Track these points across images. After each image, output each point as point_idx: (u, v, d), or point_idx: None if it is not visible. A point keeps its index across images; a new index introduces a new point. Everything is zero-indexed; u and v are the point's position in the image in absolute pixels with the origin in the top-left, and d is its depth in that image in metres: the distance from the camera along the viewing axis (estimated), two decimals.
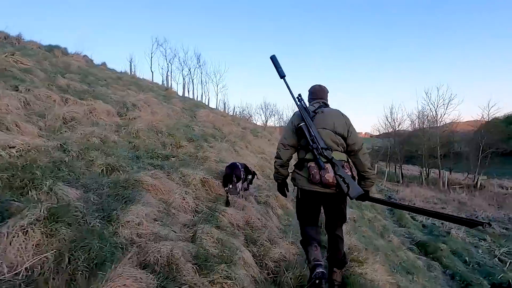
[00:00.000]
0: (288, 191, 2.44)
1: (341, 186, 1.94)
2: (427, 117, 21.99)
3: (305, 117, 2.03)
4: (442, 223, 8.52)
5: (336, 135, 2.06)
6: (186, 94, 22.46)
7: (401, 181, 22.22)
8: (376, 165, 22.87)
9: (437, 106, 21.08)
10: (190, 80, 22.53)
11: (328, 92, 2.37)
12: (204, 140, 5.50)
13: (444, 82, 50.30)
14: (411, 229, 7.06)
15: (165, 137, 4.59)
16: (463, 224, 1.82)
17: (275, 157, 2.25)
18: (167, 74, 18.70)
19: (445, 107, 21.00)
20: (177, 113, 7.34)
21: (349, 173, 2.01)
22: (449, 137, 21.87)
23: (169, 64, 19.32)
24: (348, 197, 2.01)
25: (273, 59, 2.23)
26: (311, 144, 1.98)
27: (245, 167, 3.71)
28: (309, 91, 2.36)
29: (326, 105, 2.26)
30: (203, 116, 8.69)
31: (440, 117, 21.27)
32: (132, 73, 16.09)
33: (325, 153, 1.96)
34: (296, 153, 2.21)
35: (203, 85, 24.01)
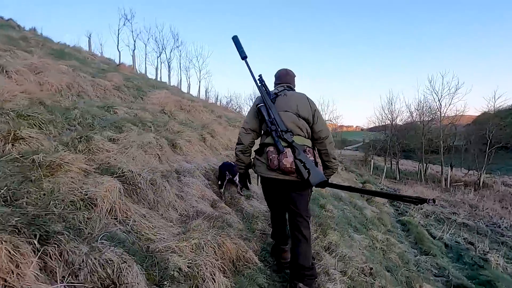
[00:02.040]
0: (250, 182, 2.44)
1: (301, 172, 1.78)
2: (429, 108, 20.03)
3: (265, 98, 1.93)
4: (471, 243, 6.56)
5: (299, 119, 1.93)
6: (165, 79, 19.84)
7: (398, 178, 20.45)
8: (372, 160, 20.98)
9: (442, 96, 19.09)
10: (166, 62, 19.77)
11: (294, 76, 2.24)
12: (116, 128, 3.21)
13: (450, 70, 47.70)
14: (437, 257, 5.03)
15: (4, 122, 2.27)
16: (411, 202, 1.66)
17: (236, 143, 2.11)
18: (133, 52, 15.99)
19: (451, 97, 19.00)
20: (102, 90, 4.97)
21: (312, 159, 1.86)
22: (451, 130, 20.00)
23: (135, 41, 16.39)
24: (309, 184, 1.83)
25: (235, 40, 2.13)
26: (270, 126, 1.87)
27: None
28: (274, 75, 2.23)
29: (292, 89, 2.14)
30: (154, 98, 6.37)
31: (445, 108, 19.30)
32: (96, 52, 13.43)
33: (284, 136, 1.84)
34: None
35: (181, 69, 21.18)
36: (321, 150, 2.02)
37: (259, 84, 2.00)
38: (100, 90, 4.92)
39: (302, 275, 1.90)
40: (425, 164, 20.89)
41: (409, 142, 21.66)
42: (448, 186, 17.16)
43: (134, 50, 16.12)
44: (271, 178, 1.90)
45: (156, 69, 19.06)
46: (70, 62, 5.48)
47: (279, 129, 1.85)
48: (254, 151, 2.05)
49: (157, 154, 2.95)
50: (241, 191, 3.38)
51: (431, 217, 9.78)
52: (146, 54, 19.49)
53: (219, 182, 3.30)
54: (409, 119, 22.98)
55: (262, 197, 4.17)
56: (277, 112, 1.90)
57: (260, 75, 2.04)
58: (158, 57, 19.42)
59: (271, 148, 1.86)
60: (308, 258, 1.96)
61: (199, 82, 22.50)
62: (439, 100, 18.88)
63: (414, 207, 10.39)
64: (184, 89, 20.99)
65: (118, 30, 16.19)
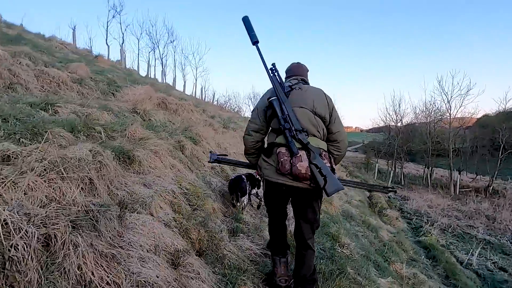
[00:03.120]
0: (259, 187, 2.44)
1: (317, 179, 1.56)
2: (439, 110, 18.87)
3: (278, 91, 1.67)
4: (504, 269, 5.54)
5: (316, 117, 1.70)
6: (157, 76, 18.67)
7: (403, 183, 19.42)
8: (377, 164, 19.90)
9: (451, 96, 17.78)
10: (160, 58, 18.61)
11: (308, 70, 2.01)
12: (34, 135, 2.14)
13: (461, 69, 45.80)
14: None
15: None
16: (379, 191, 2.20)
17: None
18: (121, 45, 14.78)
19: (462, 98, 17.58)
20: (54, 83, 3.89)
21: (328, 164, 1.64)
22: (460, 133, 18.85)
23: (124, 34, 15.03)
24: (324, 193, 1.60)
25: (245, 21, 1.82)
26: (283, 124, 1.63)
27: (251, 177, 3.16)
28: (285, 70, 2.01)
29: (306, 83, 1.92)
30: (131, 95, 5.32)
31: (455, 110, 17.81)
32: (85, 46, 12.37)
33: (299, 136, 1.61)
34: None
35: (176, 66, 19.99)
36: (335, 153, 1.81)
37: (272, 74, 1.75)
38: (50, 82, 3.84)
39: (304, 281, 1.84)
40: (431, 169, 19.86)
41: (415, 145, 20.58)
42: (457, 192, 16.12)
43: (122, 44, 14.92)
44: (279, 183, 1.67)
45: (149, 65, 17.90)
46: (20, 48, 4.39)
47: (293, 128, 1.63)
48: (262, 151, 1.84)
49: (88, 178, 1.87)
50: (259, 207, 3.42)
51: (447, 231, 8.79)
52: (139, 49, 18.37)
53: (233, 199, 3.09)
54: (414, 121, 21.97)
55: (255, 229, 3.12)
56: (291, 108, 1.67)
57: (273, 64, 1.79)
58: (150, 51, 18.14)
59: (282, 149, 1.63)
60: (311, 266, 1.87)
61: (195, 80, 21.31)
62: (448, 102, 17.77)
63: (427, 221, 9.39)
64: (179, 87, 19.94)
65: (107, 23, 15.02)
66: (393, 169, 21.56)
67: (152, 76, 18.23)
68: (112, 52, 15.18)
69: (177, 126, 4.57)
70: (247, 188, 3.16)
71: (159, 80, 16.40)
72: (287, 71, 2.00)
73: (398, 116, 21.20)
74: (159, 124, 4.18)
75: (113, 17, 14.82)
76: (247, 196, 3.11)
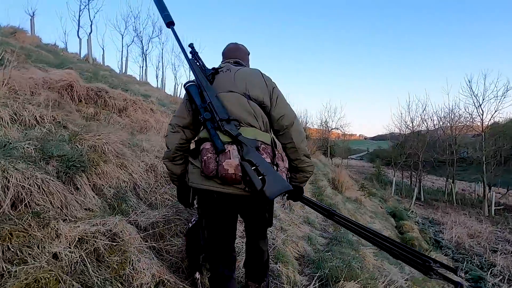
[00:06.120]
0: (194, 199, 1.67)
1: (252, 180, 1.12)
2: (470, 115, 16.19)
3: (197, 75, 1.33)
4: None
5: (250, 102, 1.30)
6: (150, 78, 16.51)
7: (423, 199, 16.84)
8: (394, 178, 17.32)
9: (483, 99, 14.91)
10: (143, 56, 16.39)
11: (248, 53, 1.63)
12: None
13: (494, 68, 40.68)
14: None
15: None
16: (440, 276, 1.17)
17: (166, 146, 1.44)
18: (89, 35, 12.40)
19: (498, 101, 14.56)
20: None
21: (268, 160, 1.22)
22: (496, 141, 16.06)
23: (92, 24, 12.58)
24: (264, 198, 1.14)
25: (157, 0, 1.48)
26: (203, 114, 1.23)
27: None
28: (222, 53, 1.64)
29: (240, 65, 1.49)
30: (19, 79, 3.05)
31: (489, 114, 15.03)
32: (35, 34, 10.29)
33: (226, 127, 1.21)
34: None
35: (163, 63, 17.71)
36: (286, 144, 1.37)
37: (190, 57, 1.40)
38: None
39: (255, 275, 1.52)
40: (453, 181, 17.30)
41: (436, 154, 18.08)
42: (493, 213, 13.49)
43: (90, 33, 12.48)
44: (206, 190, 1.23)
45: (127, 60, 15.59)
46: None
47: (217, 118, 1.22)
48: (189, 151, 1.39)
49: None
50: None
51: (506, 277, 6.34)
52: (122, 46, 16.16)
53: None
54: (432, 127, 19.51)
55: None
56: (215, 94, 1.29)
57: (191, 45, 1.45)
58: (129, 45, 15.82)
59: (207, 145, 1.20)
60: (263, 261, 1.51)
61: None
62: (480, 106, 14.92)
63: (480, 264, 6.90)
64: (169, 89, 17.79)
65: (80, 12, 12.81)
66: (409, 181, 19.05)
67: (138, 76, 16.12)
68: (93, 49, 12.95)
69: (57, 133, 2.25)
70: None
71: (136, 78, 14.21)
72: (222, 54, 1.61)
73: (417, 121, 18.75)
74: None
75: (85, 6, 12.63)
76: None
